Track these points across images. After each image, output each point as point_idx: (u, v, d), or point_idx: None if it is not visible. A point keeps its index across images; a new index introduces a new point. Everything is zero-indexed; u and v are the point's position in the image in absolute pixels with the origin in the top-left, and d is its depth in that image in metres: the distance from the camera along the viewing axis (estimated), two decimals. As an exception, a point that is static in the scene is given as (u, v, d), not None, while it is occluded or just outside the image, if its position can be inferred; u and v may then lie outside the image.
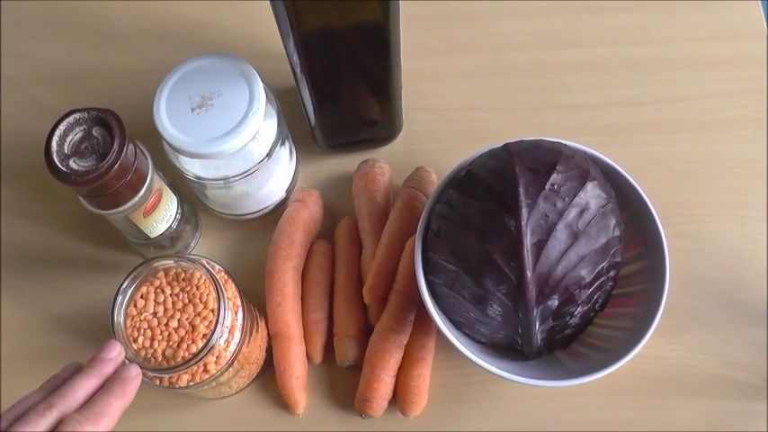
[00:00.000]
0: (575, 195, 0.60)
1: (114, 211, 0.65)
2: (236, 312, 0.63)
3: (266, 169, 0.73)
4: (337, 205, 0.83)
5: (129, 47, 0.92)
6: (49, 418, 0.46)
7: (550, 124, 0.86)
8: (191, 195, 0.80)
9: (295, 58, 0.65)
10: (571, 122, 0.86)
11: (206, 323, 0.61)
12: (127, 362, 0.55)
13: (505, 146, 0.65)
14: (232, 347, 0.62)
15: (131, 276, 0.61)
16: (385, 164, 0.81)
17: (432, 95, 0.87)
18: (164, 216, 0.72)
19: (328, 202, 0.82)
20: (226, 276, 0.64)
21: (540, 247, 0.59)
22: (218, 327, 0.59)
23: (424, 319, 0.72)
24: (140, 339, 0.60)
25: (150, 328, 0.61)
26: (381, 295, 0.73)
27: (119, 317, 0.60)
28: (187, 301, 0.62)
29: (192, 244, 0.81)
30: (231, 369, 0.64)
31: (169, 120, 0.66)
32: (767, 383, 0.74)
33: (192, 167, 0.70)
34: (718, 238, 0.80)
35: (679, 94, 0.87)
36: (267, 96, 0.69)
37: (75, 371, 0.51)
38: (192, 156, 0.66)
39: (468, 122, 0.86)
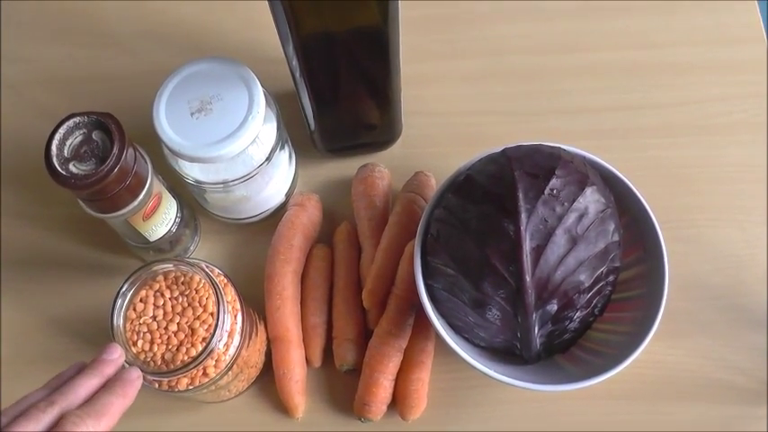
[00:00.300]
0: (574, 200, 0.60)
1: (114, 214, 0.65)
2: (235, 316, 0.63)
3: (266, 173, 0.73)
4: (336, 209, 0.83)
5: (128, 50, 0.92)
6: (50, 415, 0.47)
7: (550, 129, 0.86)
8: (190, 199, 0.80)
9: (294, 61, 0.65)
10: (571, 127, 0.86)
11: (205, 327, 0.61)
12: (127, 365, 0.56)
13: (504, 150, 0.65)
14: (231, 351, 0.62)
15: (131, 280, 0.61)
16: (384, 168, 0.81)
17: (431, 99, 0.87)
18: (163, 220, 0.72)
19: (327, 206, 0.82)
20: (225, 280, 0.64)
21: (539, 251, 0.59)
22: (218, 330, 0.59)
23: (423, 323, 0.73)
24: (140, 343, 0.60)
25: (150, 331, 0.61)
26: (380, 299, 0.73)
27: (118, 320, 0.60)
28: (186, 304, 0.62)
29: (192, 247, 0.81)
30: (230, 373, 0.64)
31: (169, 123, 0.66)
32: (767, 388, 0.74)
33: (191, 171, 0.70)
34: (717, 242, 0.80)
35: (679, 99, 0.87)
36: (267, 100, 0.69)
37: (79, 370, 0.52)
38: (192, 160, 0.66)
39: (468, 127, 0.86)
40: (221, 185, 0.70)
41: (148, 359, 0.60)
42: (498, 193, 0.61)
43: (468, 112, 0.87)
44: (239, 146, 0.65)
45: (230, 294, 0.64)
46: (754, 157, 0.84)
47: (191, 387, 0.61)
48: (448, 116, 0.87)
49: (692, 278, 0.78)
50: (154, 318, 0.61)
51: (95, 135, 0.62)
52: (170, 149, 0.66)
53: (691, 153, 0.85)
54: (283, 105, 0.74)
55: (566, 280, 0.60)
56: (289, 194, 0.81)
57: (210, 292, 0.62)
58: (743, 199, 0.82)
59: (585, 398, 0.74)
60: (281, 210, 0.81)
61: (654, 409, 0.74)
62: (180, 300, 0.62)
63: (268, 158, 0.71)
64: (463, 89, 0.89)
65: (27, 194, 0.84)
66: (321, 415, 0.75)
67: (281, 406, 0.74)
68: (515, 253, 0.59)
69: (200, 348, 0.60)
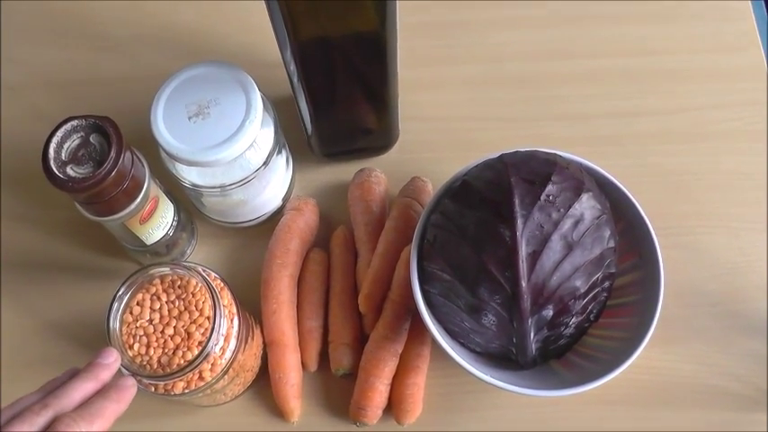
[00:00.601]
0: (570, 206, 0.60)
1: (111, 218, 0.65)
2: (231, 320, 0.63)
3: (263, 177, 0.73)
4: (333, 214, 0.83)
5: (127, 54, 0.92)
6: (44, 417, 0.47)
7: (547, 135, 0.86)
8: (187, 203, 0.80)
9: (292, 66, 0.65)
10: (568, 133, 0.86)
11: (201, 330, 0.61)
12: (123, 370, 0.56)
13: (501, 156, 0.65)
14: (227, 355, 0.62)
15: (127, 283, 0.61)
16: (381, 173, 0.81)
17: (428, 105, 0.88)
18: (160, 223, 0.72)
19: (324, 210, 0.82)
20: (222, 284, 0.65)
21: (534, 257, 0.59)
22: (214, 334, 0.59)
23: (419, 327, 0.73)
24: (136, 346, 0.60)
25: (146, 335, 0.61)
26: (377, 304, 0.74)
27: (115, 323, 0.60)
28: (183, 308, 0.62)
29: (188, 251, 0.81)
30: (226, 377, 0.64)
31: (166, 127, 0.66)
32: (767, 395, 0.74)
33: (188, 175, 0.70)
34: (713, 249, 0.80)
35: (676, 106, 0.88)
36: (264, 105, 0.69)
37: (74, 375, 0.51)
38: (189, 164, 0.66)
39: (465, 132, 0.86)
40: (218, 189, 0.70)
41: (144, 362, 0.60)
42: (495, 198, 0.61)
43: (464, 118, 0.88)
44: (237, 150, 0.65)
45: (227, 298, 0.64)
46: (750, 164, 0.84)
47: (186, 391, 0.61)
48: (445, 122, 0.87)
49: (687, 285, 0.79)
50: (150, 321, 0.61)
51: (93, 138, 0.62)
52: (167, 153, 0.66)
53: (687, 160, 0.85)
54: (281, 110, 0.74)
55: (561, 286, 0.60)
56: (286, 199, 0.82)
57: (207, 295, 0.62)
58: (739, 206, 0.82)
59: (581, 403, 0.74)
60: (278, 214, 0.81)
61: (649, 414, 0.74)
62: (176, 303, 0.62)
63: (265, 163, 0.71)
64: (460, 95, 0.89)
65: (24, 197, 0.84)
66: (317, 419, 0.75)
67: (276, 410, 0.74)
68: (511, 259, 0.59)
69: (196, 352, 0.60)
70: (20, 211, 0.84)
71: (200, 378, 0.61)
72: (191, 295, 0.62)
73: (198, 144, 0.65)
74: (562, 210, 0.60)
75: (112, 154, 0.60)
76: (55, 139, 0.61)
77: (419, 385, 0.73)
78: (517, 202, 0.60)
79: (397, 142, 0.85)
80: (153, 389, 0.61)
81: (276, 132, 0.72)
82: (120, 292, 0.60)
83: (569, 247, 0.60)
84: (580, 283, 0.61)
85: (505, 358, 0.67)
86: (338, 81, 0.70)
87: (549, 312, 0.61)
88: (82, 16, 0.94)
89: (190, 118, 0.66)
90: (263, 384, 0.75)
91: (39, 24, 0.94)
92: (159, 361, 0.60)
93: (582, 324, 0.66)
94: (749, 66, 0.90)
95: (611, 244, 0.63)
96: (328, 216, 0.82)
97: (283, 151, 0.77)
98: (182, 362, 0.60)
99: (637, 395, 0.74)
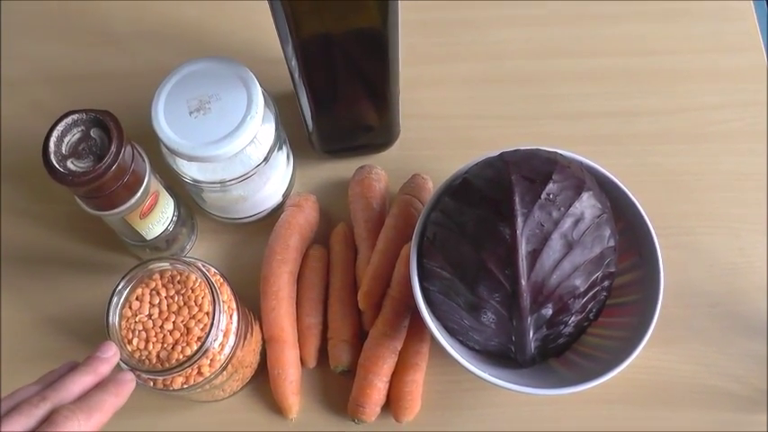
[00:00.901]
0: (570, 205, 0.60)
1: (111, 212, 0.65)
2: (230, 316, 0.63)
3: (263, 173, 0.73)
4: (333, 210, 0.83)
5: (128, 49, 0.92)
6: (42, 410, 0.47)
7: (547, 133, 0.86)
8: (187, 198, 0.80)
9: (294, 62, 0.65)
10: (568, 132, 0.86)
11: (201, 326, 0.61)
12: (122, 364, 0.56)
13: (502, 155, 0.65)
14: (226, 351, 0.62)
15: (127, 278, 0.61)
16: (381, 170, 0.81)
17: (429, 102, 0.88)
18: (160, 218, 0.72)
19: (324, 207, 0.82)
20: (221, 279, 0.64)
21: (534, 255, 0.59)
22: (213, 330, 0.59)
23: (418, 325, 0.73)
24: (135, 341, 0.60)
25: (145, 329, 0.61)
26: (376, 301, 0.74)
27: (114, 318, 0.60)
28: (182, 303, 0.62)
29: (188, 246, 0.81)
30: (225, 372, 0.64)
31: (167, 122, 0.66)
32: (766, 396, 0.74)
33: (189, 170, 0.70)
34: (713, 249, 0.80)
35: (677, 106, 0.88)
36: (265, 101, 0.69)
37: (72, 368, 0.51)
38: (190, 159, 0.66)
39: (465, 130, 0.86)
40: (219, 185, 0.70)
41: (143, 357, 0.60)
42: (495, 197, 0.61)
43: (465, 116, 0.87)
44: (237, 146, 0.65)
45: (226, 294, 0.64)
46: (750, 165, 0.84)
47: (185, 386, 0.61)
48: (445, 119, 0.87)
49: (687, 285, 0.79)
50: (149, 316, 0.61)
51: (94, 132, 0.62)
52: (168, 148, 0.66)
53: (687, 160, 0.85)
54: (282, 106, 0.74)
55: (561, 284, 0.60)
56: (286, 195, 0.82)
57: (206, 291, 0.62)
58: (739, 207, 0.82)
59: (579, 402, 0.74)
60: (278, 210, 0.81)
61: (647, 414, 0.74)
62: (176, 299, 0.62)
63: (266, 159, 0.71)
64: (461, 93, 0.89)
65: (24, 191, 0.84)
66: (315, 416, 0.75)
67: (275, 406, 0.74)
68: (511, 257, 0.59)
69: (195, 347, 0.60)
70: (20, 206, 0.84)
71: (199, 373, 0.61)
72: (190, 291, 0.62)
73: (198, 139, 0.65)
74: (562, 208, 0.60)
75: (113, 148, 0.60)
76: (55, 133, 0.61)
77: (418, 383, 0.73)
78: (517, 200, 0.60)
79: (398, 140, 0.85)
80: (152, 384, 0.61)
81: (277, 128, 0.72)
82: (120, 287, 0.60)
83: (569, 246, 0.60)
84: (580, 282, 0.61)
85: (504, 356, 0.67)
86: (340, 78, 0.70)
87: (548, 311, 0.61)
88: (83, 11, 0.94)
89: (191, 113, 0.66)
90: (262, 380, 0.75)
91: (39, 19, 0.94)
92: (158, 356, 0.60)
93: (581, 323, 0.66)
94: (750, 66, 0.90)
95: (612, 243, 0.63)
96: (328, 213, 0.82)
97: (284, 147, 0.77)
98: (181, 357, 0.60)
99: (635, 395, 0.74)
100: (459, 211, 0.63)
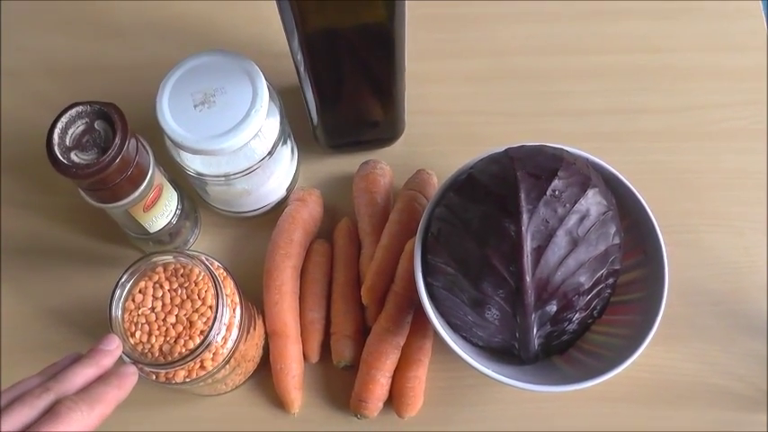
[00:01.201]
0: (575, 202, 0.60)
1: (114, 205, 0.65)
2: (233, 310, 0.63)
3: (267, 167, 0.73)
4: (337, 205, 0.83)
5: (132, 41, 0.92)
6: (44, 401, 0.47)
7: (552, 130, 0.86)
8: (191, 191, 0.80)
9: (299, 56, 0.65)
10: (573, 128, 0.86)
11: (204, 320, 0.61)
12: (125, 357, 0.56)
13: (507, 151, 0.65)
14: (229, 344, 0.62)
15: (130, 271, 0.61)
16: (386, 165, 0.81)
17: (434, 98, 0.87)
18: (164, 211, 0.72)
19: (328, 201, 0.82)
20: (224, 273, 0.64)
21: (539, 252, 0.59)
22: (216, 323, 0.59)
23: (421, 320, 0.73)
24: (138, 334, 0.60)
25: (148, 323, 0.61)
26: (379, 296, 0.73)
27: (117, 311, 0.60)
28: (185, 296, 0.62)
29: (192, 240, 0.81)
30: (228, 366, 0.64)
31: (171, 115, 0.66)
32: (767, 395, 0.74)
33: (193, 163, 0.70)
34: (716, 248, 0.80)
35: (680, 104, 0.87)
36: (270, 94, 0.69)
37: (75, 360, 0.51)
38: (194, 152, 0.66)
39: (471, 126, 0.86)
40: (223, 178, 0.70)
41: (146, 350, 0.60)
42: (500, 193, 0.61)
43: (470, 112, 0.87)
44: (242, 139, 0.65)
45: (229, 288, 0.64)
46: (754, 163, 0.84)
47: (187, 380, 0.61)
48: (450, 115, 0.87)
49: (690, 283, 0.79)
50: (152, 309, 0.61)
51: (98, 125, 0.62)
52: (172, 141, 0.66)
53: (691, 158, 0.85)
54: (287, 100, 0.74)
55: (565, 281, 0.60)
56: (290, 189, 0.81)
57: (210, 284, 0.62)
58: (742, 205, 0.82)
59: (582, 399, 0.74)
60: (281, 204, 0.81)
61: (650, 412, 0.74)
62: (179, 292, 0.62)
63: (270, 153, 0.71)
64: (466, 89, 0.89)
65: (28, 183, 0.84)
66: (317, 410, 0.75)
67: (277, 400, 0.74)
68: (516, 253, 0.59)
69: (197, 341, 0.60)
70: (22, 197, 0.84)
71: (202, 367, 0.61)
72: (193, 284, 0.62)
73: (203, 132, 0.65)
74: (568, 205, 0.60)
75: (117, 141, 0.60)
76: (59, 125, 0.61)
77: (420, 378, 0.73)
78: (523, 196, 0.59)
79: (403, 135, 0.85)
80: (154, 377, 0.61)
81: (282, 122, 0.72)
82: (123, 280, 0.60)
83: (574, 243, 0.60)
84: (584, 279, 0.61)
85: (508, 353, 0.67)
86: (345, 72, 0.69)
87: (552, 308, 0.61)
88: (87, 3, 0.94)
89: (195, 106, 0.66)
90: (264, 375, 0.75)
91: (42, 10, 0.94)
92: (161, 349, 0.60)
93: (585, 320, 0.66)
94: (754, 65, 0.89)
95: (617, 240, 0.63)
96: (332, 207, 0.82)
97: (288, 141, 0.77)
98: (183, 350, 0.60)
99: (638, 393, 0.74)
100: (463, 207, 0.63)
